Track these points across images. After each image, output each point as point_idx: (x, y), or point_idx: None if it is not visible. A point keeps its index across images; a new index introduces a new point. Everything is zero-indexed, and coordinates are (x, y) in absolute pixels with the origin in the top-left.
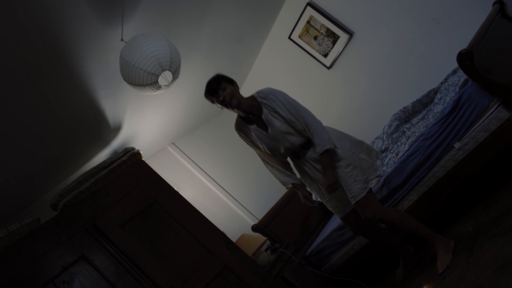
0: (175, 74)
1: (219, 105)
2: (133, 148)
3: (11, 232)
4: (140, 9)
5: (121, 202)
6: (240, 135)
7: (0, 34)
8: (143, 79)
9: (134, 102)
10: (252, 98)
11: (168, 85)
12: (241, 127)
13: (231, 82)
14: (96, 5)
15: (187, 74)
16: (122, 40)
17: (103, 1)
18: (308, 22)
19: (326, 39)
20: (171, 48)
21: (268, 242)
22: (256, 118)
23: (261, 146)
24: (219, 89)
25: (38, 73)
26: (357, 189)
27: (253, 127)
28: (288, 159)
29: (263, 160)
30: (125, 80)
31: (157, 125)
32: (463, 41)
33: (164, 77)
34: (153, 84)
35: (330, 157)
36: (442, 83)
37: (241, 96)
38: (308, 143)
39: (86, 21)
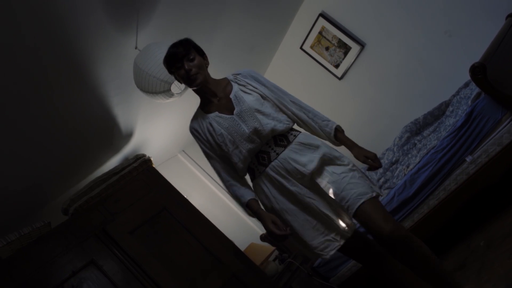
0: None
1: (178, 78)
2: (144, 155)
3: (22, 236)
4: (155, 18)
5: (131, 208)
6: (194, 135)
7: (18, 41)
8: (156, 86)
9: (146, 109)
10: (222, 79)
11: (180, 93)
12: (198, 122)
13: (201, 53)
14: (111, 13)
15: None
16: (136, 48)
17: (119, 9)
18: (320, 32)
19: (337, 50)
20: None
21: (276, 252)
22: (219, 103)
23: (217, 140)
24: (185, 58)
25: (54, 79)
26: (361, 188)
27: (213, 115)
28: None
29: (218, 173)
30: (138, 87)
31: (168, 133)
32: (476, 54)
33: (177, 85)
34: (166, 91)
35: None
36: (453, 95)
37: (209, 74)
38: (292, 130)
39: (101, 28)
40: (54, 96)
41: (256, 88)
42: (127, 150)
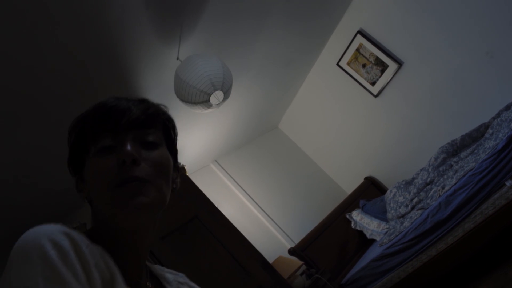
0: (226, 94)
1: (84, 179)
2: (179, 163)
3: None
4: (197, 30)
5: (163, 214)
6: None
7: (66, 53)
8: (195, 97)
9: (184, 119)
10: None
11: (218, 105)
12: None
13: (172, 147)
14: (156, 24)
15: (235, 95)
16: (177, 58)
17: (163, 22)
18: (357, 49)
19: (374, 67)
20: (224, 69)
21: (304, 267)
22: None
23: None
24: (135, 133)
25: (100, 85)
26: None
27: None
28: None
29: None
30: (178, 97)
31: (202, 142)
32: None
33: (216, 97)
34: (205, 102)
35: None
36: (494, 118)
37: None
38: None
39: (146, 39)
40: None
41: None
42: None
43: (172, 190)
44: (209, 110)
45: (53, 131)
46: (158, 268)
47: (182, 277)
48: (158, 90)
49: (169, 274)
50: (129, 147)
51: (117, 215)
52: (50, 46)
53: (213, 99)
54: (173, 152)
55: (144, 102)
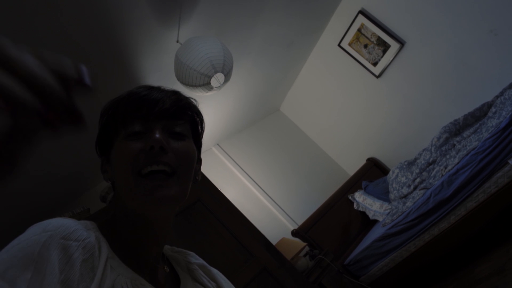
0: (227, 77)
1: (109, 171)
2: None
3: None
4: (197, 12)
5: None
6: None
7: (63, 33)
8: (196, 80)
9: None
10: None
11: (219, 87)
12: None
13: (198, 140)
14: (155, 7)
15: (236, 78)
16: (177, 41)
17: (162, 4)
18: (359, 30)
19: (376, 47)
20: (224, 51)
21: (307, 248)
22: (146, 270)
23: None
24: (164, 124)
25: (99, 69)
26: None
27: (128, 272)
28: None
29: None
30: (178, 80)
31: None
32: None
33: (216, 79)
34: (206, 85)
35: None
36: (497, 96)
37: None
38: None
39: (145, 22)
40: (98, 87)
41: None
42: None
43: (194, 182)
44: (210, 93)
45: None
46: (168, 249)
47: (193, 256)
48: (159, 73)
49: (178, 255)
50: (158, 135)
51: (139, 203)
52: (49, 29)
53: (214, 82)
54: (198, 145)
55: (177, 94)
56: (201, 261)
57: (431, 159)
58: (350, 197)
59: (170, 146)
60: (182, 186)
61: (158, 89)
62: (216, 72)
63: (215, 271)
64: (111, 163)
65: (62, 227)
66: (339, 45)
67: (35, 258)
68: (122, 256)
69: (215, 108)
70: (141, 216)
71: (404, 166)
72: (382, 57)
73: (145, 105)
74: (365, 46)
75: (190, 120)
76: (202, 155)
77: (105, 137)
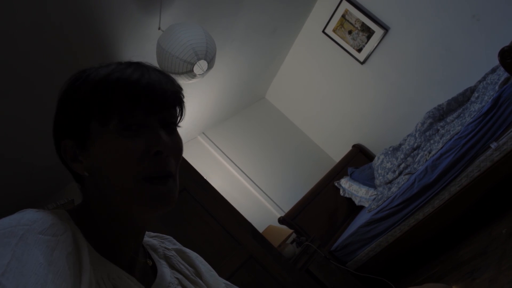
0: (210, 64)
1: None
2: None
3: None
4: None
5: None
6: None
7: (45, 20)
8: (178, 67)
9: None
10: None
11: (203, 74)
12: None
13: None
14: None
15: (220, 65)
16: (159, 28)
17: None
18: (343, 16)
19: (360, 33)
20: (207, 38)
21: (294, 235)
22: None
23: None
24: (162, 118)
25: (81, 56)
26: None
27: (115, 269)
28: None
29: None
30: (161, 68)
31: (188, 115)
32: (505, 39)
33: (199, 66)
34: (189, 72)
35: None
36: (480, 81)
37: None
38: None
39: (125, 9)
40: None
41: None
42: None
43: None
44: (194, 81)
45: (34, 105)
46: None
47: (170, 241)
48: (141, 60)
49: (154, 240)
50: (165, 137)
51: (138, 207)
52: (31, 16)
53: (196, 69)
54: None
55: (169, 78)
56: (178, 245)
57: (416, 144)
58: (336, 184)
59: (173, 143)
60: (178, 187)
61: (148, 70)
62: (198, 59)
63: (193, 255)
64: (90, 153)
65: (38, 221)
66: (323, 31)
67: (12, 248)
68: (98, 248)
69: (199, 96)
70: (126, 213)
71: (389, 152)
72: (366, 43)
73: (149, 96)
74: (350, 32)
75: (182, 111)
76: (187, 144)
77: (78, 119)
